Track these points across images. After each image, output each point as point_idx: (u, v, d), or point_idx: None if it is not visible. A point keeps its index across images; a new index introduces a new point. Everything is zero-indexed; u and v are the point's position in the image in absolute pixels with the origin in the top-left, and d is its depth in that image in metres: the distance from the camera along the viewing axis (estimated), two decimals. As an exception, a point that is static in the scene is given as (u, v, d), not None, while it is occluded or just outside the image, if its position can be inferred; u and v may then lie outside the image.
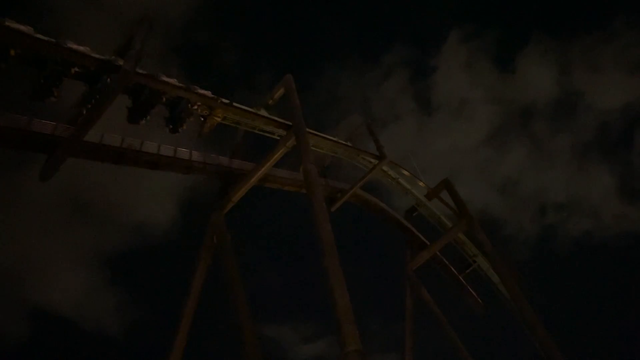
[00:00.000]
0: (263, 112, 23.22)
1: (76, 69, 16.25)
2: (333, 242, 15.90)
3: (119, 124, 18.91)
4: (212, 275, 20.70)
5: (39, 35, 15.16)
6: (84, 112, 17.37)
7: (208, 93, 20.31)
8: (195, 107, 20.01)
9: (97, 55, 16.63)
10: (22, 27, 14.74)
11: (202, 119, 20.87)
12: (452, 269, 34.26)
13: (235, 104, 21.46)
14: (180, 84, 19.08)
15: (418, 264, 32.06)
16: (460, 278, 34.13)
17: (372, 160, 28.95)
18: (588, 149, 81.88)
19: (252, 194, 22.81)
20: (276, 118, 22.69)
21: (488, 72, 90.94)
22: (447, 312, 31.15)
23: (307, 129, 22.53)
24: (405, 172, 32.14)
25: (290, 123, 22.19)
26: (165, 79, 18.60)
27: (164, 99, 18.69)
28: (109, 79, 16.68)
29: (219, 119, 21.31)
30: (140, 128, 19.14)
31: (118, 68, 16.68)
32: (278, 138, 22.65)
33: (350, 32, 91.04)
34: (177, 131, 19.49)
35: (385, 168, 30.63)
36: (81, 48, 16.28)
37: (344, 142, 27.62)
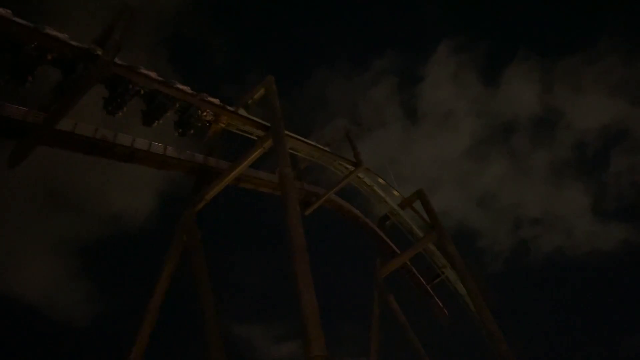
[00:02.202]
0: (242, 112, 23.06)
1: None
2: (304, 246, 15.80)
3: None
4: (180, 275, 20.38)
5: (73, 42, 16.21)
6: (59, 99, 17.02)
7: (216, 101, 21.01)
8: (205, 113, 20.78)
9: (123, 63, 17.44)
10: (60, 35, 15.91)
11: (208, 124, 21.50)
12: (421, 278, 34.65)
13: (239, 112, 22.18)
14: (191, 91, 19.79)
15: (388, 271, 32.34)
16: (428, 288, 34.55)
17: (349, 166, 29.06)
18: (565, 166, 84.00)
19: (226, 193, 22.65)
20: (254, 118, 22.56)
21: (474, 85, 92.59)
22: (415, 321, 31.50)
23: (286, 132, 22.45)
24: (381, 181, 32.35)
25: (268, 124, 22.11)
26: (179, 86, 19.21)
27: (177, 105, 19.52)
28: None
29: (223, 125, 21.93)
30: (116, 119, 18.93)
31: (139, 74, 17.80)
32: (256, 139, 22.51)
33: (342, 36, 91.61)
34: (185, 135, 20.54)
35: (361, 175, 30.77)
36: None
37: (321, 147, 27.60)
